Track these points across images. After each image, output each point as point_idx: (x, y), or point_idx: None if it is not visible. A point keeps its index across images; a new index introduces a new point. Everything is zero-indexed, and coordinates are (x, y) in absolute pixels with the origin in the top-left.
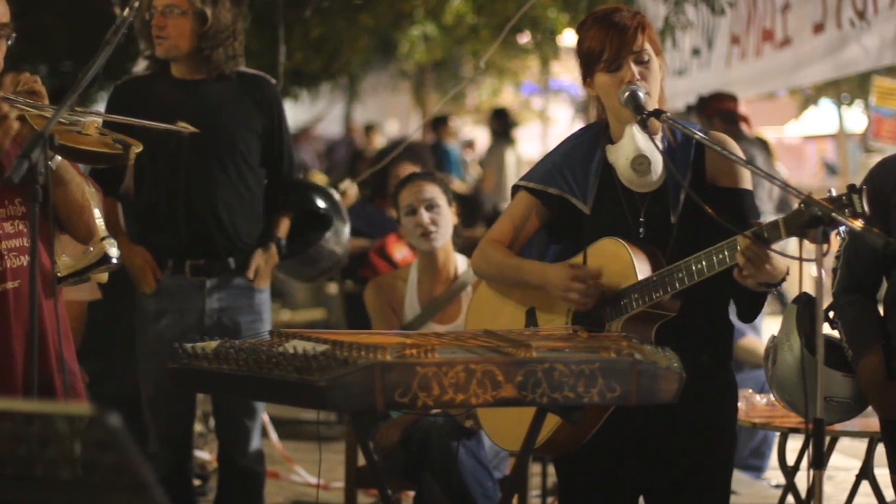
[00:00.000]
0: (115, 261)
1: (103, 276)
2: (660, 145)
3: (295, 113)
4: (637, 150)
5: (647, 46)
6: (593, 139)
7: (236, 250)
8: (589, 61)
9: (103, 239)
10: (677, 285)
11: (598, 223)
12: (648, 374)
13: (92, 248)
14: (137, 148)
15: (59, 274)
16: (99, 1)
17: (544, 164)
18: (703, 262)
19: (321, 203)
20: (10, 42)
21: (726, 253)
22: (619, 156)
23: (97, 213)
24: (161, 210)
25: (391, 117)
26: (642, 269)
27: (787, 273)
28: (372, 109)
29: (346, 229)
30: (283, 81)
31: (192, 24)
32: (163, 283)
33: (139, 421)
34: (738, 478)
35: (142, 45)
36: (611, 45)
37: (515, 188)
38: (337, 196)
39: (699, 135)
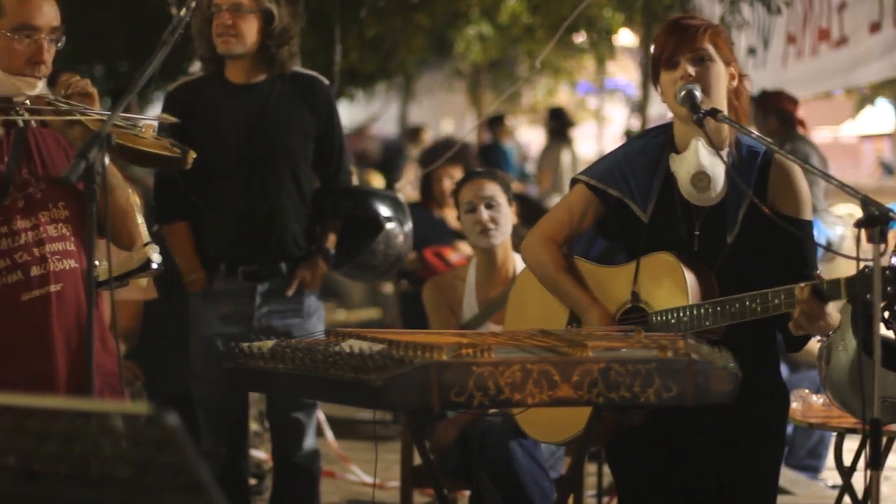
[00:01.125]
0: (155, 266)
1: (142, 282)
2: (725, 160)
3: (350, 112)
4: (699, 165)
5: (709, 48)
6: (660, 145)
7: (289, 255)
8: (655, 63)
9: (146, 245)
10: (728, 319)
11: (655, 232)
12: (705, 374)
13: (134, 254)
14: (194, 153)
15: (98, 278)
16: (155, 1)
17: (607, 162)
18: (758, 303)
19: (378, 208)
20: (59, 45)
21: (783, 299)
22: (681, 168)
23: (140, 218)
24: (215, 215)
25: (446, 117)
26: (695, 294)
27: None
28: (427, 109)
29: (408, 227)
30: (338, 81)
31: (259, 23)
32: (214, 287)
33: (194, 419)
34: (795, 478)
35: (198, 44)
36: (670, 45)
37: (574, 181)
38: (400, 195)
39: (755, 134)
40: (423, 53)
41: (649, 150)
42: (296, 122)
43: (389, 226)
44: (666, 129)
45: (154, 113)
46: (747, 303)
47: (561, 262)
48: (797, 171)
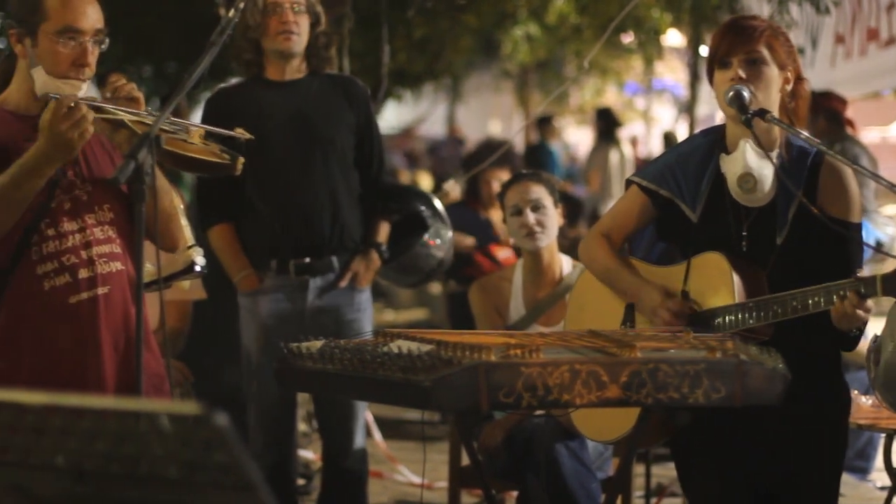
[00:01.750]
0: (198, 269)
1: (185, 284)
2: (775, 161)
3: (398, 113)
4: (746, 166)
5: (763, 51)
6: (711, 145)
7: (341, 249)
8: (709, 62)
9: (190, 247)
10: (771, 316)
11: (705, 232)
12: (753, 375)
13: (178, 256)
14: (243, 159)
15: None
16: (204, 2)
17: (660, 163)
18: (798, 302)
19: (420, 208)
20: (103, 47)
21: (822, 297)
22: (730, 169)
23: (183, 221)
24: (264, 212)
25: (493, 118)
26: (742, 294)
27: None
28: (474, 110)
29: (449, 234)
30: (386, 82)
31: (311, 21)
32: (266, 284)
33: (243, 420)
34: (844, 479)
35: (242, 45)
36: (724, 44)
37: (629, 182)
38: (438, 202)
39: (804, 135)
40: (470, 54)
41: (700, 150)
42: (339, 117)
43: (439, 226)
44: (717, 129)
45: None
46: (789, 302)
47: (613, 255)
48: (847, 173)
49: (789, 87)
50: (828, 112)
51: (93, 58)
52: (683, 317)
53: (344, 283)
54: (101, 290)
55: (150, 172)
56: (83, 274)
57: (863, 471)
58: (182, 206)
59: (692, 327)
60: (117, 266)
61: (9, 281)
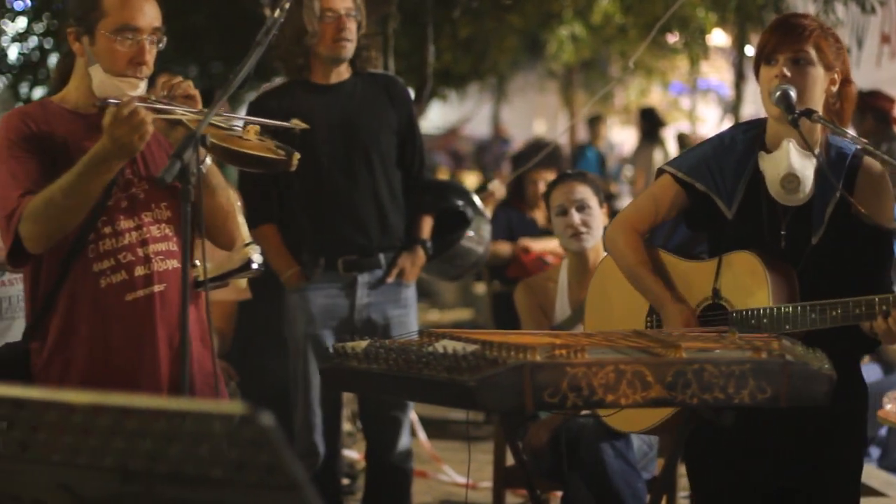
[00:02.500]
0: (256, 267)
1: (242, 282)
2: (818, 160)
3: (443, 113)
4: (789, 167)
5: (810, 51)
6: (751, 142)
7: (388, 246)
8: (756, 58)
9: (246, 245)
10: (808, 325)
11: (738, 229)
12: (800, 375)
13: (235, 254)
14: (298, 155)
15: (197, 278)
16: (249, 2)
17: (696, 156)
18: (839, 312)
19: (459, 203)
20: (161, 46)
21: (863, 310)
22: (772, 168)
23: (240, 219)
24: (312, 213)
25: (538, 118)
26: (776, 295)
27: None
28: (519, 110)
29: (487, 228)
30: (431, 81)
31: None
32: (314, 282)
33: (289, 420)
34: (889, 480)
35: (292, 48)
36: (772, 41)
37: (661, 171)
38: (475, 196)
39: (850, 135)
40: (515, 54)
41: (739, 145)
42: (383, 117)
43: (479, 220)
44: (757, 124)
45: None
46: (828, 310)
47: (642, 254)
48: (885, 178)
49: (835, 88)
50: (875, 111)
51: (150, 56)
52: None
53: (391, 279)
54: (157, 288)
55: (197, 171)
56: (139, 272)
57: None
58: (239, 204)
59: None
60: (174, 264)
61: (66, 278)
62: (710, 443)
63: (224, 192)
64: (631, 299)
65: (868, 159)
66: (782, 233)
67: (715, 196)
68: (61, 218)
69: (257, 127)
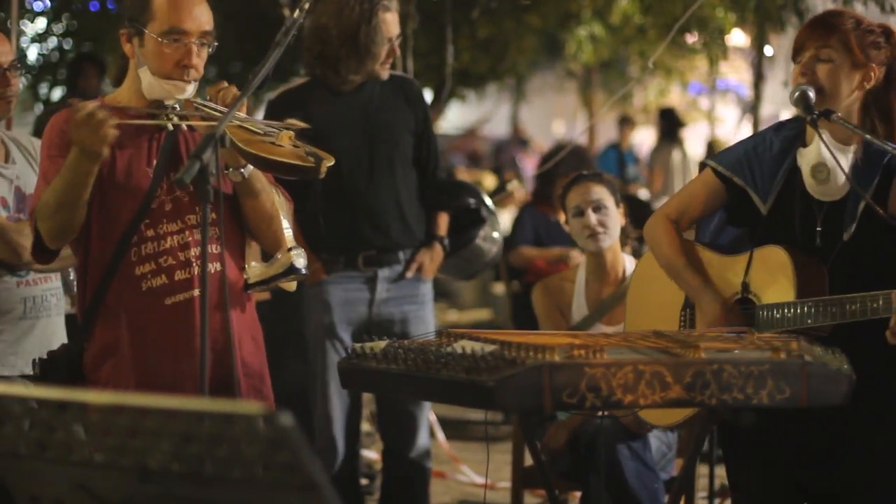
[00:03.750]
0: (303, 271)
1: (291, 286)
2: (847, 157)
3: (461, 113)
4: (819, 156)
5: (834, 48)
6: (791, 139)
7: (407, 244)
8: (791, 56)
9: (290, 249)
10: (829, 319)
11: (773, 224)
12: (818, 375)
13: (279, 257)
14: (329, 161)
15: (248, 281)
16: (268, 2)
17: (737, 151)
18: (857, 305)
19: (472, 201)
20: (211, 50)
21: (881, 304)
22: (805, 161)
23: (285, 223)
24: (332, 213)
25: (557, 118)
26: (803, 290)
27: None
28: (538, 110)
29: (500, 227)
30: (450, 82)
31: None
32: (333, 278)
33: (308, 419)
34: None
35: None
36: (800, 38)
37: (703, 165)
38: (487, 197)
39: (867, 136)
40: (534, 54)
41: (779, 142)
42: (401, 119)
43: (491, 219)
44: (797, 122)
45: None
46: (847, 305)
47: (678, 244)
48: None
49: (868, 85)
50: None
51: (198, 59)
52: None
53: (410, 274)
54: (196, 292)
55: (217, 171)
56: (179, 276)
57: None
58: (288, 207)
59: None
60: (215, 267)
61: (112, 281)
62: (751, 444)
63: (268, 197)
64: (668, 293)
65: None
66: (818, 229)
67: (752, 191)
68: (57, 217)
69: (292, 133)
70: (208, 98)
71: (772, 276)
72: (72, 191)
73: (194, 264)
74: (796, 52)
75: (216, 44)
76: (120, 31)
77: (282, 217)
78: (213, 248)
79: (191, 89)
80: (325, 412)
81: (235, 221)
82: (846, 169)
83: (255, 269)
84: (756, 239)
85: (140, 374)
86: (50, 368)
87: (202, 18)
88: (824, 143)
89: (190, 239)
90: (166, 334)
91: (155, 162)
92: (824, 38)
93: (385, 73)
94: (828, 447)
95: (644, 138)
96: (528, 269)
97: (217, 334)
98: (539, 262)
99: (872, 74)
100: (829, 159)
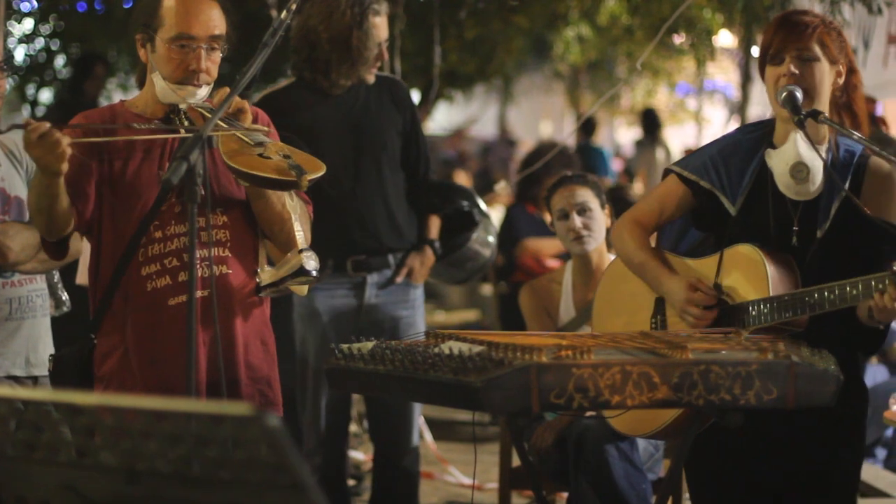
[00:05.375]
0: (314, 273)
1: (303, 289)
2: (823, 156)
3: (449, 114)
4: (798, 156)
5: (815, 48)
6: (759, 140)
7: (397, 247)
8: (762, 57)
9: (301, 251)
10: (808, 310)
11: (743, 226)
12: (806, 376)
13: (290, 258)
14: (314, 174)
15: (260, 284)
16: (255, 3)
17: (701, 155)
18: (836, 294)
19: (465, 203)
20: (224, 53)
21: (860, 290)
22: (779, 161)
23: (297, 226)
24: (320, 217)
25: (545, 119)
26: (776, 285)
27: None
28: (525, 111)
29: (494, 230)
30: (437, 83)
31: None
32: (323, 281)
33: (295, 420)
34: (894, 481)
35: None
36: (776, 40)
37: (667, 171)
38: (480, 199)
39: (865, 141)
40: (522, 55)
41: (745, 144)
42: (389, 121)
43: (485, 223)
44: (764, 124)
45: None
46: (825, 293)
47: (644, 243)
48: (892, 177)
49: (841, 81)
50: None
51: (208, 63)
52: (710, 317)
53: (400, 279)
54: (200, 293)
55: (204, 172)
56: (182, 277)
57: None
58: (303, 209)
59: (726, 320)
60: (222, 269)
61: (120, 281)
62: (707, 444)
63: (278, 199)
64: (637, 300)
65: (875, 159)
66: (794, 228)
67: (719, 193)
68: (38, 219)
69: (281, 144)
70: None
71: (744, 275)
72: (41, 200)
73: (200, 266)
74: (774, 55)
75: (227, 46)
76: (135, 37)
77: (294, 219)
78: (222, 251)
79: (202, 93)
80: (313, 414)
81: (248, 224)
82: (821, 166)
83: (267, 272)
84: (725, 241)
85: (144, 374)
86: (61, 366)
87: (211, 23)
88: (811, 143)
89: (197, 240)
90: (169, 335)
91: (168, 165)
92: (804, 38)
93: (372, 78)
94: (785, 447)
95: (631, 139)
96: (518, 269)
97: (219, 336)
98: (544, 255)
99: (842, 70)
100: (808, 158)
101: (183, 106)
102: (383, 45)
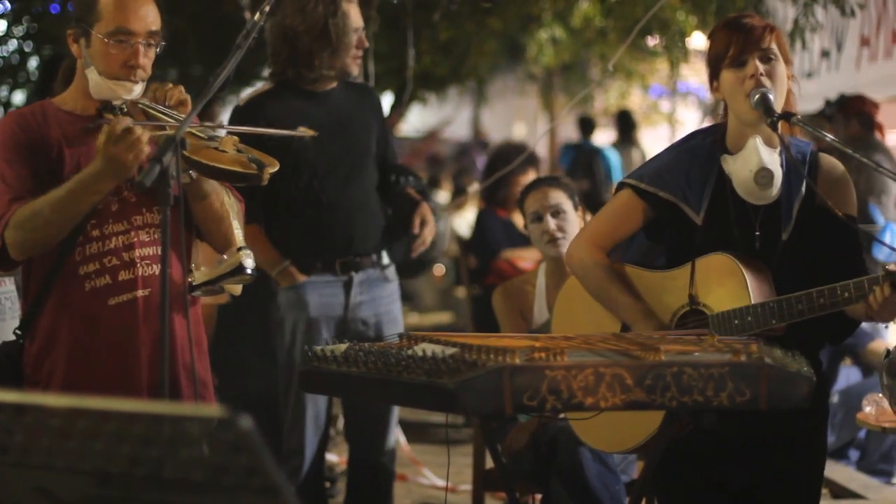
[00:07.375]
0: (249, 272)
1: (236, 289)
2: (779, 158)
3: (422, 116)
4: (761, 162)
5: (775, 48)
6: (711, 146)
7: (379, 245)
8: (715, 62)
9: (240, 250)
10: (796, 316)
11: (708, 234)
12: (778, 378)
13: (227, 258)
14: (272, 168)
15: (192, 283)
16: (229, 5)
17: (655, 166)
18: (827, 298)
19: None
20: (158, 49)
21: (852, 292)
22: (741, 167)
23: (236, 223)
24: (308, 216)
25: (518, 121)
26: (756, 293)
27: None
28: (499, 113)
29: (443, 225)
30: (411, 85)
31: None
32: (309, 282)
33: (270, 423)
34: (867, 483)
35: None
36: (737, 43)
37: (621, 185)
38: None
39: (829, 138)
40: (495, 57)
41: (699, 151)
42: (369, 125)
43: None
44: (715, 129)
45: (226, 117)
46: (815, 298)
47: (609, 270)
48: (843, 171)
49: (790, 81)
50: (861, 116)
51: (145, 59)
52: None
53: (424, 247)
54: (140, 293)
55: (177, 174)
56: (123, 276)
57: (887, 474)
58: (238, 208)
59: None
60: (158, 269)
61: (55, 280)
62: (673, 446)
63: (217, 197)
64: (599, 321)
65: (825, 156)
66: (756, 233)
67: (682, 203)
68: (46, 230)
69: (236, 138)
70: (149, 96)
71: (721, 284)
72: (76, 205)
73: (138, 265)
74: (735, 58)
75: (163, 43)
76: (67, 32)
77: (232, 218)
78: (158, 250)
79: (138, 89)
80: (297, 414)
81: (182, 224)
82: (780, 171)
83: (202, 271)
84: (693, 250)
85: (75, 376)
86: None
87: (148, 18)
88: (784, 147)
89: (135, 240)
90: (109, 335)
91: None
92: (763, 39)
93: (355, 69)
94: (747, 448)
95: (604, 141)
96: (491, 271)
97: (158, 337)
98: (517, 262)
99: (792, 73)
100: (770, 163)
101: (118, 102)
102: (361, 33)
